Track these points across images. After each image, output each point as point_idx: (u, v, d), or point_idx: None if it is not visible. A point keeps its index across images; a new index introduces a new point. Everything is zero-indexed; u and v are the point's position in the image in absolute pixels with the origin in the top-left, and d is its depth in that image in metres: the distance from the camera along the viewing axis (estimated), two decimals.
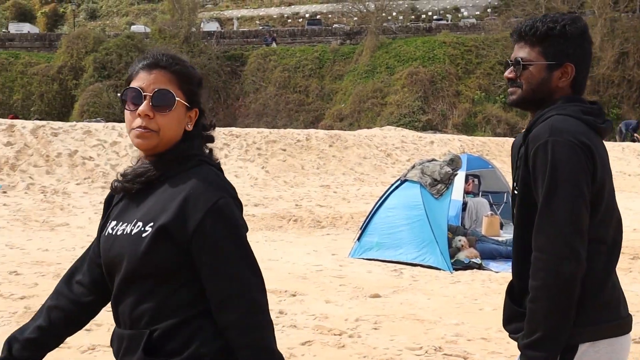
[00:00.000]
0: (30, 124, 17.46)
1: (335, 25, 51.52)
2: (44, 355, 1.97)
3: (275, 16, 58.60)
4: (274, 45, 47.21)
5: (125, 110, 1.87)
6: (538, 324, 1.98)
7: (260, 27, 52.72)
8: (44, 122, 18.11)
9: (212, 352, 1.77)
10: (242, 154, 18.10)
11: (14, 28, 54.85)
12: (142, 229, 1.78)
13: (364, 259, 8.63)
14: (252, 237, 9.20)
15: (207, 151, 1.96)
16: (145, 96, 1.82)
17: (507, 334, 2.22)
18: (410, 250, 8.33)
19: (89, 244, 2.09)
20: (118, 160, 16.44)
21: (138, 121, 1.82)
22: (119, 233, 1.84)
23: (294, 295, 6.72)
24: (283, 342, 5.01)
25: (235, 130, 20.08)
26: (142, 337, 1.77)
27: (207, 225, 1.74)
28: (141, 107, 1.81)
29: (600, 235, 2.05)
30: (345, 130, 29.33)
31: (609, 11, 40.24)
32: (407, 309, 6.33)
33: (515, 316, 2.14)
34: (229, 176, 16.44)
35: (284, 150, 18.96)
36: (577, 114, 2.08)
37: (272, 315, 1.90)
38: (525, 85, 2.17)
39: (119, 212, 1.91)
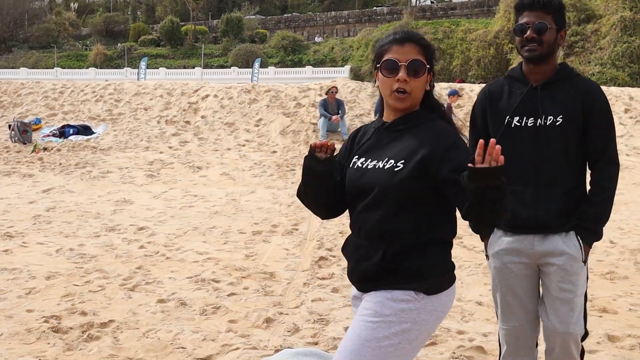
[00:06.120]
0: (476, 87, 18.36)
1: None
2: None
3: None
4: None
5: (382, 77, 2.37)
6: (609, 211, 2.90)
7: None
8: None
9: (434, 275, 2.31)
10: None
11: None
12: (395, 164, 2.29)
13: None
14: None
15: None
16: (401, 66, 2.31)
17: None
18: None
19: None
20: None
21: (396, 85, 2.32)
22: (369, 167, 2.35)
23: None
24: None
25: None
26: (377, 251, 2.31)
27: (451, 154, 2.24)
28: (400, 74, 2.31)
29: None
30: None
31: None
32: None
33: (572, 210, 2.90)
34: None
35: None
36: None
37: None
38: (546, 44, 2.86)
39: (365, 152, 2.42)
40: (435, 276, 2.33)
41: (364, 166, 2.39)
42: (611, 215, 3.00)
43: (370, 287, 2.37)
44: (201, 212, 8.85)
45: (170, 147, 14.82)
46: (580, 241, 2.88)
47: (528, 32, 2.87)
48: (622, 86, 22.88)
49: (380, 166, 2.33)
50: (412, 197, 2.29)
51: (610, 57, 34.27)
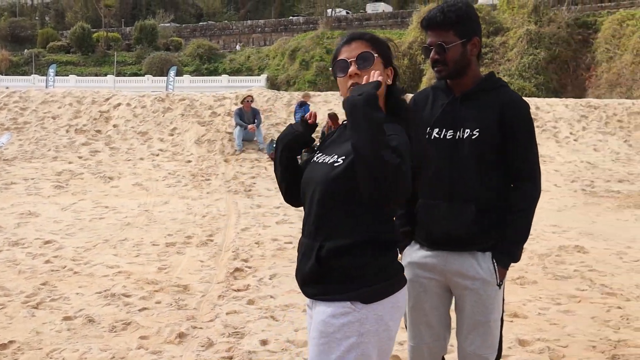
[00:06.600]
0: None
1: None
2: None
3: None
4: None
5: (338, 79, 2.38)
6: (527, 232, 2.80)
7: None
8: None
9: (370, 281, 2.22)
10: (601, 127, 16.96)
11: (371, 8, 59.05)
12: (336, 160, 2.28)
13: None
14: (618, 216, 8.74)
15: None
16: (351, 62, 2.33)
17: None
18: None
19: None
20: None
21: (350, 82, 2.31)
22: (319, 162, 2.36)
23: None
24: None
25: (593, 101, 18.87)
26: (314, 249, 2.26)
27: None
28: (350, 69, 2.32)
29: None
30: None
31: None
32: None
33: (488, 228, 2.76)
34: (587, 149, 15.75)
35: None
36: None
37: None
38: (450, 62, 2.75)
39: (325, 148, 2.44)
40: (371, 283, 2.23)
41: (317, 161, 2.40)
42: None
43: (309, 292, 2.34)
44: (112, 224, 8.55)
45: (80, 157, 14.29)
46: (496, 264, 2.75)
47: (432, 54, 2.77)
48: (529, 96, 23.81)
49: (326, 161, 2.34)
50: (348, 194, 2.22)
51: (518, 68, 35.57)
